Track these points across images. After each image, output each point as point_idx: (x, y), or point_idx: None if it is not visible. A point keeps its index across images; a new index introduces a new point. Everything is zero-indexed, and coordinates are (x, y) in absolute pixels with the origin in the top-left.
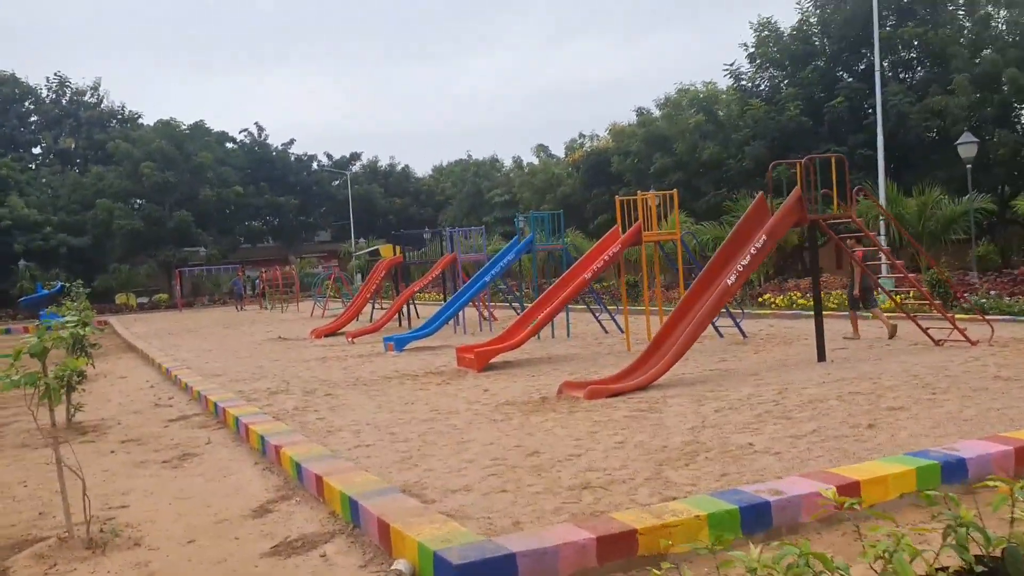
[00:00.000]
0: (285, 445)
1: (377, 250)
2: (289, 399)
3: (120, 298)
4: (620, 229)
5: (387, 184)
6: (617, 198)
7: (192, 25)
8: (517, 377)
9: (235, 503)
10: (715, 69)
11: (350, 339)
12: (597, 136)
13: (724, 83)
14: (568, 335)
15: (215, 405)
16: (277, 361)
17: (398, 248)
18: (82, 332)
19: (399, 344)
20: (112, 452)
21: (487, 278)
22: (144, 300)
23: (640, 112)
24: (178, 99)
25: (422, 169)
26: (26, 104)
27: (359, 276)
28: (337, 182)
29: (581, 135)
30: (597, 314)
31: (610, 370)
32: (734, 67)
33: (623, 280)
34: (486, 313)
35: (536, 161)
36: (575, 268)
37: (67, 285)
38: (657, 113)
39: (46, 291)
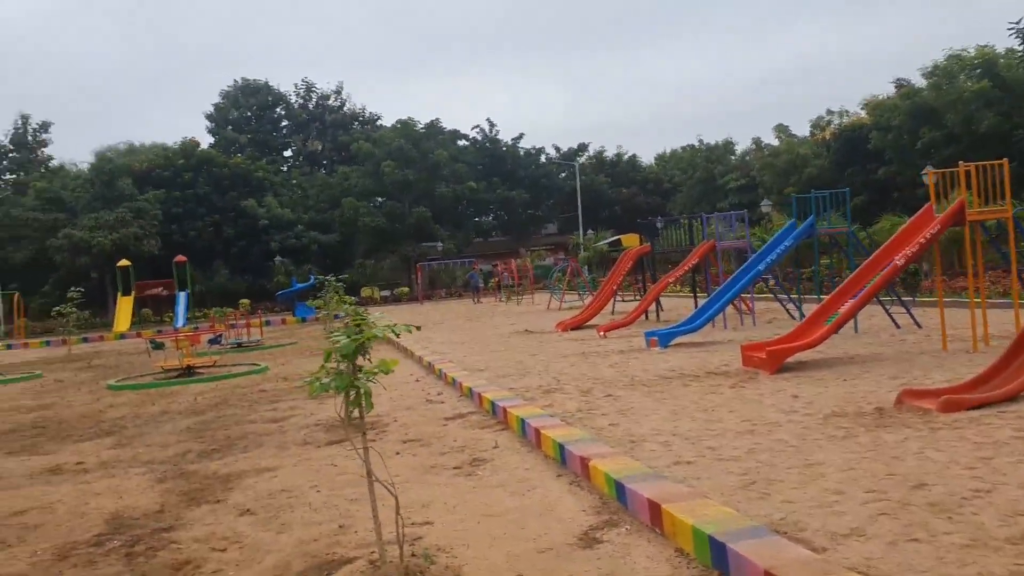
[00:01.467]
0: (592, 457)
1: (619, 240)
2: (567, 399)
3: (365, 291)
4: (934, 207)
5: (613, 174)
6: (929, 171)
7: (424, 26)
8: (825, 381)
9: (553, 527)
10: (967, 37)
11: (602, 333)
12: (847, 112)
13: (1005, 44)
14: (855, 330)
15: (492, 404)
16: (535, 355)
17: (642, 238)
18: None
19: (664, 339)
20: (397, 454)
21: (761, 267)
22: (386, 293)
23: (900, 83)
24: (413, 99)
25: (648, 157)
26: (278, 110)
27: (585, 269)
28: (564, 174)
29: (829, 112)
30: (888, 306)
31: (939, 373)
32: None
33: (939, 267)
34: (745, 307)
35: (776, 142)
36: (879, 254)
37: (319, 279)
38: (923, 84)
39: (300, 285)
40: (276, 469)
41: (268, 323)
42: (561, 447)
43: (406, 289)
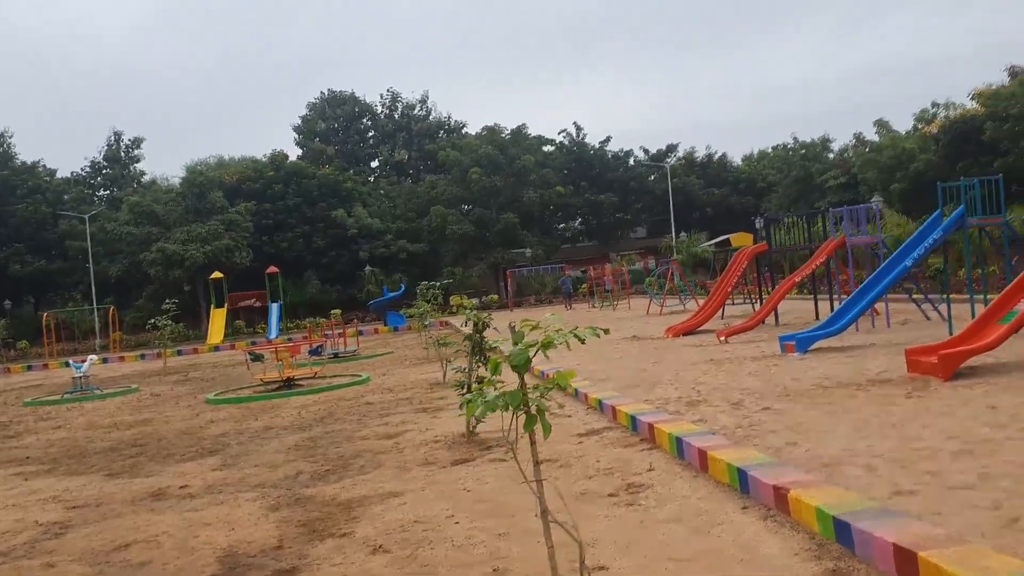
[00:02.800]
0: (789, 486)
1: (727, 240)
2: (719, 413)
3: (454, 299)
4: None
5: (704, 175)
6: None
7: (508, 33)
8: (1018, 389)
9: None
10: None
11: (723, 338)
12: (954, 104)
13: None
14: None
15: (632, 419)
16: (658, 363)
17: (756, 237)
18: (483, 335)
19: (802, 344)
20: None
21: (908, 262)
22: (475, 301)
23: (1015, 71)
24: (499, 106)
25: (739, 157)
26: (364, 121)
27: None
28: (654, 176)
29: (934, 104)
30: None
31: None
32: None
33: None
34: (874, 309)
35: (876, 138)
36: None
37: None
38: None
39: (391, 294)
40: (402, 494)
41: (361, 333)
42: (741, 473)
43: (495, 297)
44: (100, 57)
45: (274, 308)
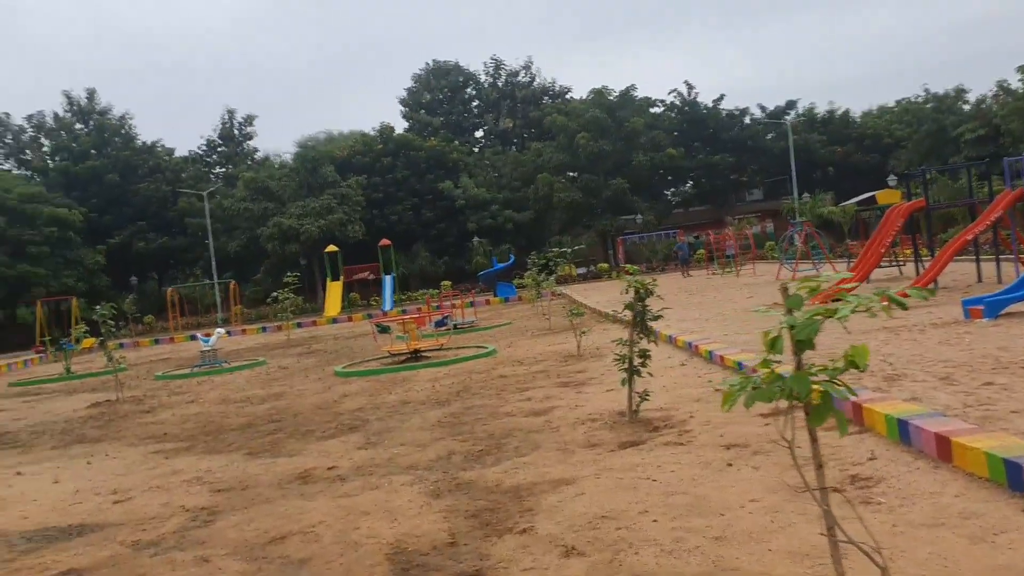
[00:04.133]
0: None
1: (873, 197)
2: (930, 390)
3: (562, 268)
4: None
5: (826, 132)
6: None
7: None
8: None
9: None
10: None
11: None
12: None
13: None
14: None
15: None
16: (823, 332)
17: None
18: (645, 303)
19: (991, 309)
20: (729, 465)
21: None
22: (583, 270)
23: None
24: (605, 70)
25: (860, 113)
26: (468, 90)
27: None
28: (772, 135)
29: None
30: None
31: None
32: None
33: None
34: None
35: (1022, 86)
36: None
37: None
38: None
39: (500, 265)
40: (574, 481)
41: (472, 304)
42: (1011, 465)
43: (605, 265)
44: (213, 36)
45: (387, 280)
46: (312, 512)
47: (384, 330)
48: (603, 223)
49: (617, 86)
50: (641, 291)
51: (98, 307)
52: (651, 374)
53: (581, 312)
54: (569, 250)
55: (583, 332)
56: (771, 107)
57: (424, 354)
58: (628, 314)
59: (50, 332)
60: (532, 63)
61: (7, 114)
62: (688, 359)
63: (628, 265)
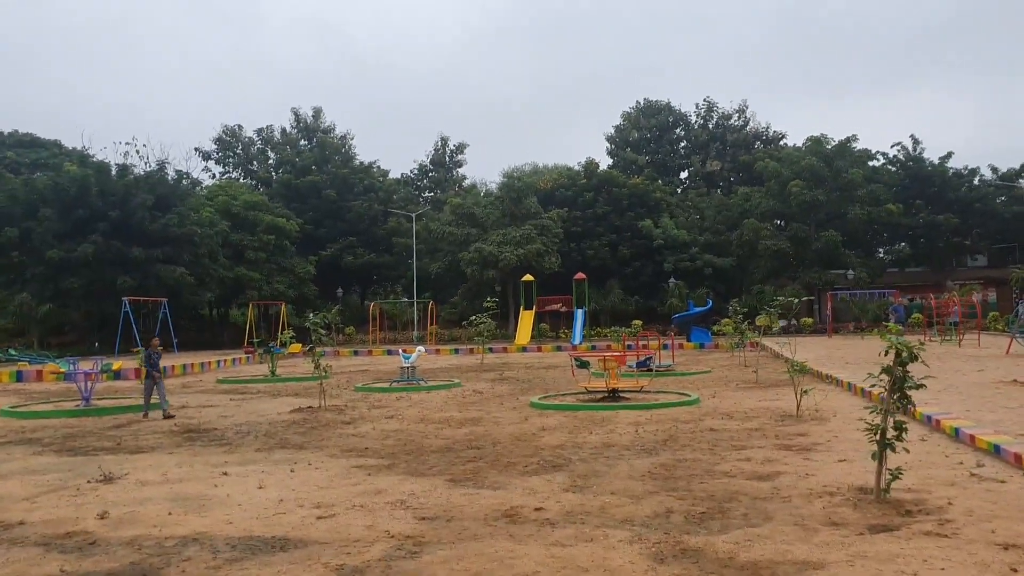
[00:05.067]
0: None
1: None
2: None
3: (761, 320)
4: None
5: None
6: None
7: (831, 42)
8: None
9: None
10: None
11: None
12: None
13: None
14: None
15: None
16: None
17: None
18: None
19: None
20: (1015, 572)
21: None
22: (783, 323)
23: None
24: (821, 118)
25: None
26: (677, 131)
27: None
28: (1003, 198)
29: None
30: None
31: None
32: None
33: None
34: None
35: None
36: None
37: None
38: None
39: (697, 309)
40: (823, 566)
41: (666, 347)
42: None
43: (810, 320)
44: (430, 69)
45: (579, 314)
46: (524, 559)
47: (583, 365)
48: (811, 275)
49: (835, 135)
50: (904, 354)
51: (311, 314)
52: (907, 450)
53: (806, 368)
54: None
55: (805, 391)
56: (1004, 168)
57: (622, 395)
58: (884, 379)
59: (258, 334)
60: (747, 107)
61: (240, 127)
62: (928, 434)
63: (773, 319)
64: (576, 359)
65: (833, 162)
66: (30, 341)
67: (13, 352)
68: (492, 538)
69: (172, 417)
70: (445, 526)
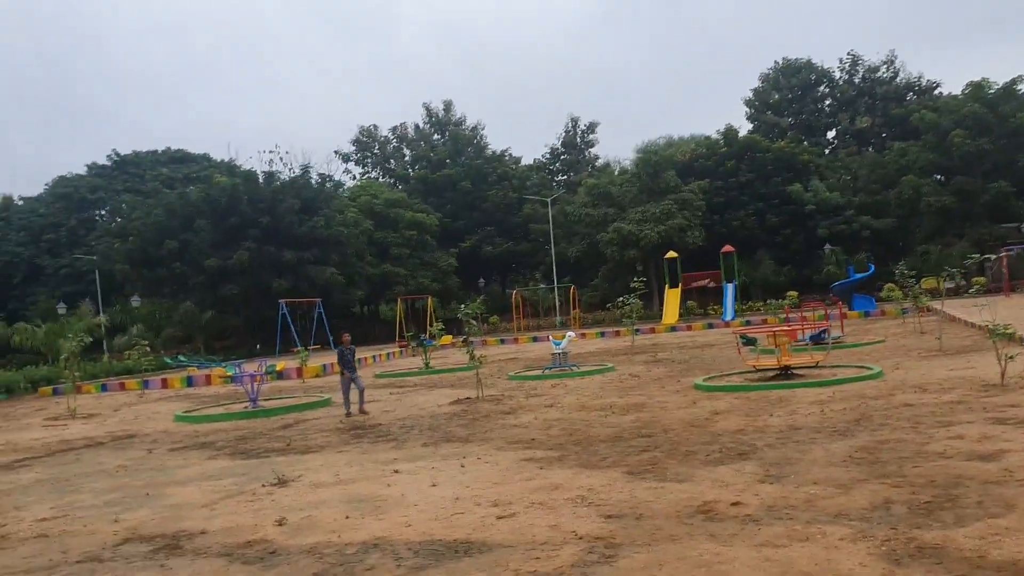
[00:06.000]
0: None
1: None
2: None
3: (926, 282)
4: None
5: None
6: None
7: None
8: None
9: None
10: None
11: None
12: None
13: None
14: None
15: None
16: None
17: None
18: None
19: None
20: None
21: None
22: (950, 285)
23: None
24: (979, 62)
25: None
26: (820, 89)
27: None
28: None
29: None
30: None
31: None
32: None
33: None
34: None
35: None
36: None
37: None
38: None
39: (858, 275)
40: None
41: (827, 317)
42: None
43: (982, 279)
44: (555, 54)
45: (729, 289)
46: (734, 563)
47: (750, 342)
48: (980, 231)
49: (997, 79)
50: None
51: (463, 306)
52: None
53: (1011, 332)
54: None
55: (1009, 357)
56: None
57: (796, 371)
58: None
59: (406, 328)
60: (895, 57)
61: (375, 126)
62: None
63: (940, 281)
64: (742, 336)
65: (998, 107)
66: (196, 347)
67: (183, 358)
68: (691, 539)
69: (353, 415)
70: (635, 525)
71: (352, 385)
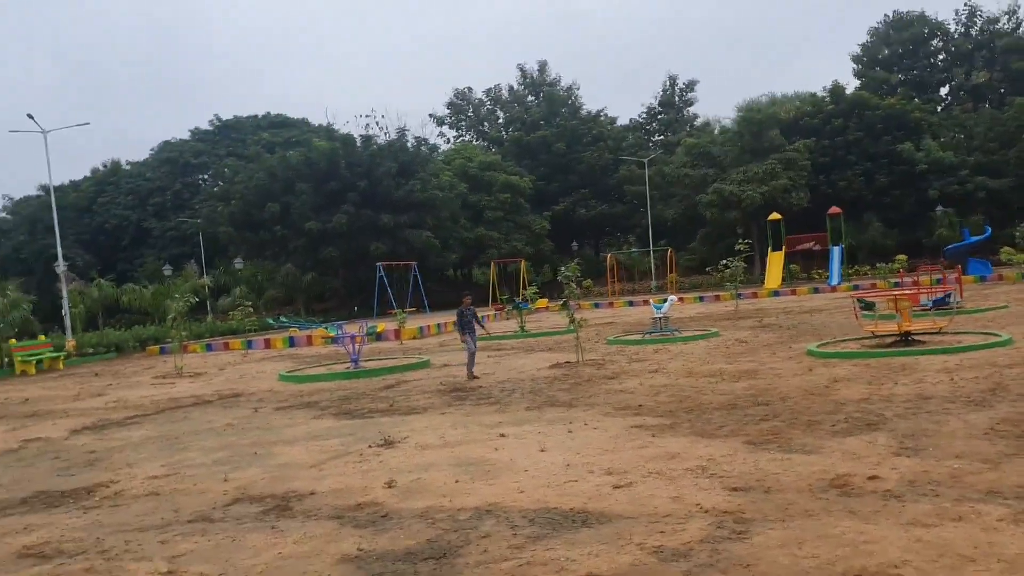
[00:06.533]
0: None
1: None
2: None
3: None
4: None
5: None
6: None
7: None
8: None
9: None
10: None
11: None
12: None
13: None
14: None
15: None
16: None
17: None
18: None
19: None
20: None
21: None
22: None
23: None
24: None
25: None
26: (934, 43)
27: None
28: None
29: None
30: None
31: None
32: None
33: None
34: None
35: None
36: None
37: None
38: None
39: (973, 239)
40: None
41: (939, 281)
42: None
43: None
44: (652, 4)
45: (835, 252)
46: (881, 543)
47: (868, 307)
48: None
49: None
50: None
51: (563, 269)
52: None
53: None
54: None
55: None
56: None
57: (917, 338)
58: None
59: (501, 291)
60: (1018, 6)
61: (469, 88)
62: None
63: None
64: (860, 300)
65: None
66: (297, 309)
67: (284, 319)
68: (828, 515)
69: (476, 377)
70: (765, 499)
71: (465, 347)
